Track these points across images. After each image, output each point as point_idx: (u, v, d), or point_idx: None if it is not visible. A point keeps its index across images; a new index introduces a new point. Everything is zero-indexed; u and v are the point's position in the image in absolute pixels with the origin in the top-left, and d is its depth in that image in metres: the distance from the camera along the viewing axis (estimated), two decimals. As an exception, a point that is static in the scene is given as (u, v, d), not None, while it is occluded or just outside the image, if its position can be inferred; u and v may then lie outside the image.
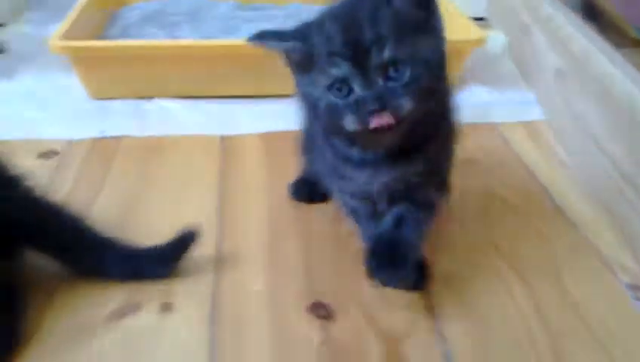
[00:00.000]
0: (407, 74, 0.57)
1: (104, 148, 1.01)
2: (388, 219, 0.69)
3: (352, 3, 0.60)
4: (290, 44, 0.61)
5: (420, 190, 0.68)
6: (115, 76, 1.12)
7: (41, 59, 1.27)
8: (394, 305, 0.71)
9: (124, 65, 1.11)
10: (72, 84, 1.16)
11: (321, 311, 0.70)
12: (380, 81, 0.58)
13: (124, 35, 1.30)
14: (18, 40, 1.40)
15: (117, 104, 1.13)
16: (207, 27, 1.38)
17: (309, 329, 0.68)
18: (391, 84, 0.58)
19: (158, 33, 1.31)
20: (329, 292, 0.72)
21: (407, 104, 0.58)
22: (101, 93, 1.14)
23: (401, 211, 0.69)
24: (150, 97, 1.14)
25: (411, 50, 0.58)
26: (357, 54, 0.57)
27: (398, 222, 0.69)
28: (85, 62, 1.11)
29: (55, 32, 1.10)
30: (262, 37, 0.62)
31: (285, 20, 1.45)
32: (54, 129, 1.06)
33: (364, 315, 0.70)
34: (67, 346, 0.66)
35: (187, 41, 1.23)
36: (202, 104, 1.14)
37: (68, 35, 1.10)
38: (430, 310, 0.70)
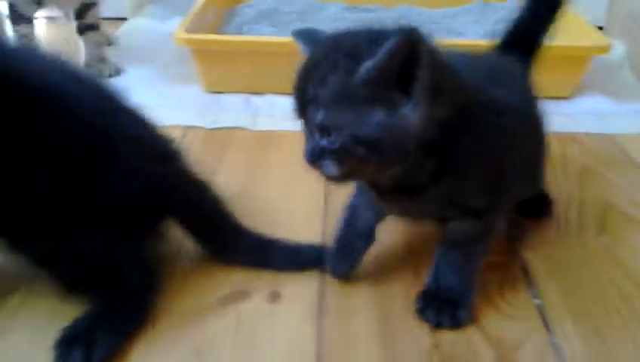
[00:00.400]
0: (337, 143, 0.55)
1: (218, 139, 1.05)
2: (433, 265, 0.70)
3: (325, 50, 0.57)
4: (302, 49, 0.60)
5: (452, 222, 0.67)
6: (231, 70, 1.16)
7: (160, 52, 1.33)
8: (506, 315, 0.69)
9: (241, 60, 1.14)
10: (188, 77, 1.21)
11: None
12: (316, 137, 0.57)
13: (239, 31, 1.34)
14: (139, 33, 1.47)
15: (230, 97, 1.17)
16: (317, 28, 1.40)
17: (419, 330, 0.67)
18: (322, 144, 0.56)
19: (272, 31, 1.34)
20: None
21: (331, 169, 0.57)
22: (216, 87, 1.18)
23: (438, 257, 0.69)
24: (261, 93, 1.18)
25: (350, 122, 0.54)
26: (301, 104, 0.57)
27: (437, 268, 0.69)
28: (205, 56, 1.15)
29: (179, 26, 1.15)
30: (297, 34, 0.63)
31: (393, 24, 1.44)
32: (171, 117, 1.10)
33: (474, 322, 0.68)
34: (183, 325, 0.68)
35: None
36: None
37: (191, 29, 1.14)
38: (545, 322, 0.68)
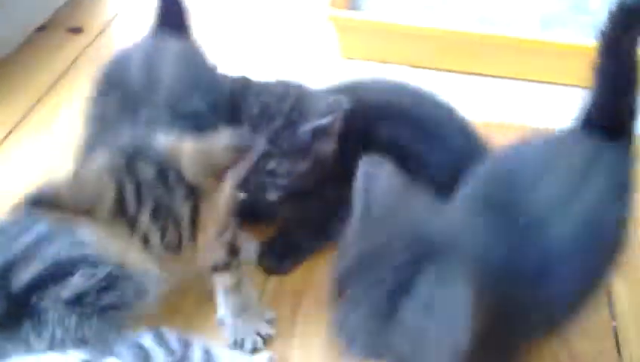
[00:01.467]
0: None
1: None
2: None
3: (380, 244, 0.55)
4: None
5: None
6: (367, 42, 1.30)
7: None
8: (586, 332, 0.80)
9: (377, 36, 1.28)
10: (322, 42, 1.34)
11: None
12: None
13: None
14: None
15: (363, 64, 1.30)
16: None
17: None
18: None
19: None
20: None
21: None
22: (352, 54, 1.31)
23: None
24: (389, 62, 1.30)
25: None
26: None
27: None
28: (347, 29, 1.28)
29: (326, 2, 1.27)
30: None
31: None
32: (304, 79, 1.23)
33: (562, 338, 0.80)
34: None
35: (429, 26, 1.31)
36: (430, 74, 1.28)
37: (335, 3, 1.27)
38: (617, 344, 0.81)
